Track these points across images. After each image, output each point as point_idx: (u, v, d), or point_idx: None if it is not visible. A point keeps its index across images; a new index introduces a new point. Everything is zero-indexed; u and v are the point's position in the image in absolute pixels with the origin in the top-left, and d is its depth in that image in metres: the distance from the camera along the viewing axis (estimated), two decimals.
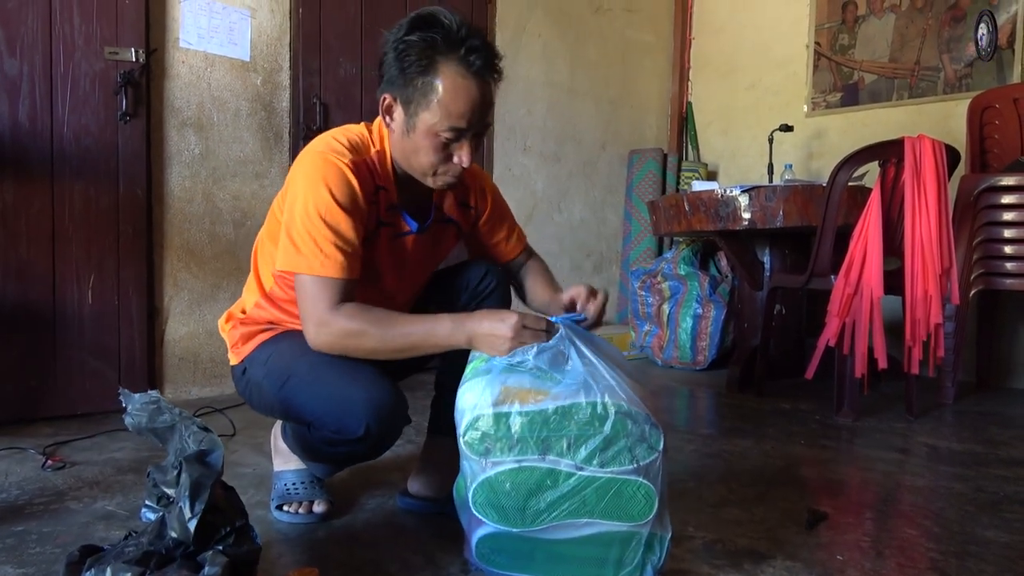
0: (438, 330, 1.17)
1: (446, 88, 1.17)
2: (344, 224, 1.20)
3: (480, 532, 1.12)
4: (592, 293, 1.29)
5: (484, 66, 1.19)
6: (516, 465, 1.07)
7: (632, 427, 1.06)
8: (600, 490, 1.06)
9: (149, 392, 1.09)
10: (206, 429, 1.03)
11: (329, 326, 1.18)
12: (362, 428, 1.20)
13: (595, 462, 1.06)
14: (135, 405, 1.07)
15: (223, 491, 1.02)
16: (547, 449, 1.06)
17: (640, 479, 1.06)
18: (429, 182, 1.29)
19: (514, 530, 1.09)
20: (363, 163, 1.27)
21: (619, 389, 1.08)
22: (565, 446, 1.06)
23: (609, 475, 1.06)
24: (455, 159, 1.24)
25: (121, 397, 1.08)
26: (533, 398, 1.07)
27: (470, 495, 1.11)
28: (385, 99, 1.24)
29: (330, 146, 1.25)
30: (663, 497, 1.09)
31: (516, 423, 1.06)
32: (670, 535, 1.11)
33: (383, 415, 1.21)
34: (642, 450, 1.06)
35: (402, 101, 1.22)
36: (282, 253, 1.22)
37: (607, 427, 1.06)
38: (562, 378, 1.09)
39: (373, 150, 1.31)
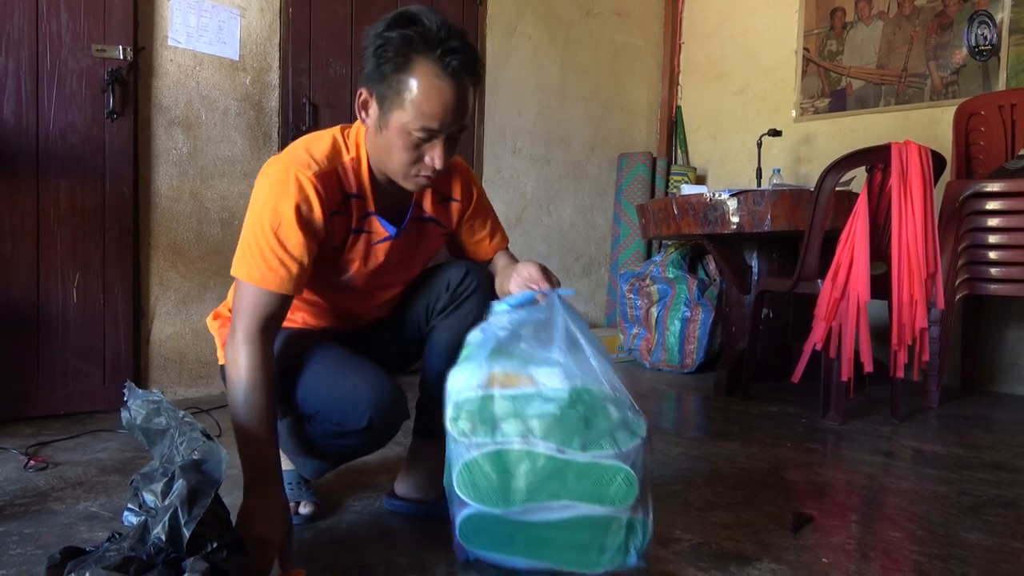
0: (249, 469, 1.15)
1: (420, 87, 1.14)
2: (294, 239, 1.19)
3: (463, 513, 1.14)
4: (545, 275, 1.28)
5: (461, 67, 1.15)
6: (497, 447, 1.09)
7: (614, 412, 1.06)
8: (580, 473, 1.06)
9: (153, 391, 1.08)
10: (208, 437, 1.01)
11: (237, 352, 1.17)
12: (365, 419, 1.21)
13: (575, 445, 1.06)
14: (136, 401, 1.06)
15: (213, 504, 1.00)
16: (528, 431, 1.08)
17: (620, 464, 1.06)
18: (403, 183, 1.26)
19: (495, 511, 1.10)
20: (332, 172, 1.24)
21: (602, 375, 1.09)
22: (546, 429, 1.07)
23: (589, 459, 1.06)
24: (428, 160, 1.21)
25: (125, 390, 1.08)
26: (516, 382, 1.09)
27: (454, 477, 1.12)
28: (361, 94, 1.22)
29: (295, 157, 1.22)
30: (645, 483, 1.08)
31: (499, 406, 1.09)
32: (651, 518, 1.10)
33: (385, 407, 1.22)
34: (623, 435, 1.06)
35: (377, 97, 1.19)
36: (235, 256, 1.23)
37: (589, 412, 1.06)
38: (545, 355, 1.09)
39: (347, 157, 1.28)
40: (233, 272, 1.22)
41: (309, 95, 2.83)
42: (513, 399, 1.08)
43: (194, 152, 2.60)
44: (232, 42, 2.66)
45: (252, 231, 1.20)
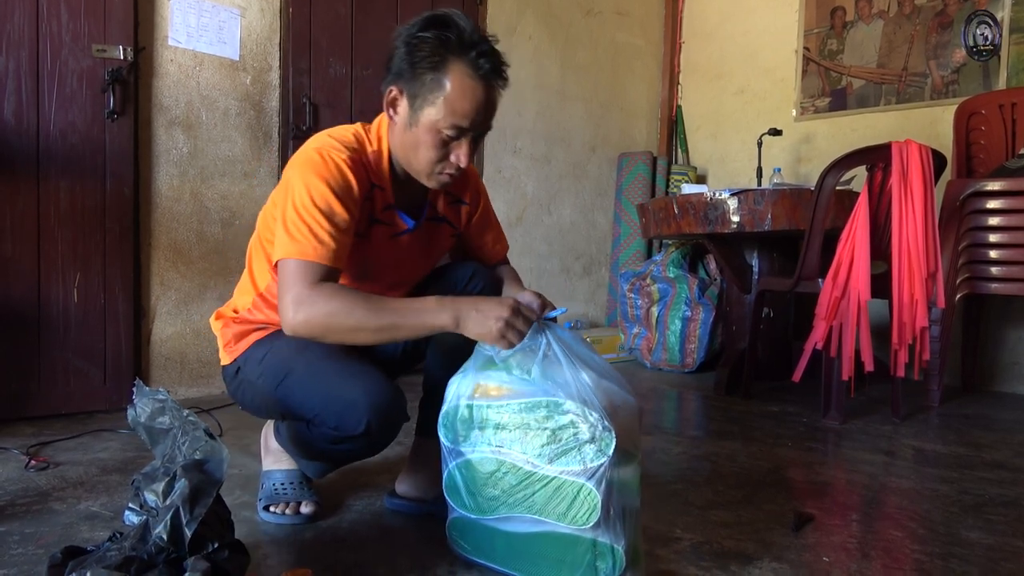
0: (426, 309, 1.15)
1: (454, 86, 1.19)
2: (339, 212, 1.20)
3: (450, 516, 1.22)
4: (540, 302, 1.27)
5: (492, 71, 1.21)
6: (477, 455, 1.13)
7: (584, 428, 1.05)
8: (547, 487, 1.08)
9: (159, 389, 1.09)
10: (211, 436, 1.01)
11: (308, 302, 1.14)
12: (363, 424, 1.20)
13: (545, 459, 1.07)
14: (142, 399, 1.07)
15: (214, 504, 1.00)
16: (503, 442, 1.11)
17: (584, 481, 1.05)
18: (425, 180, 1.29)
19: (472, 516, 1.15)
20: (359, 160, 1.27)
21: (578, 389, 1.08)
22: (520, 440, 1.09)
23: (556, 473, 1.07)
24: (453, 158, 1.25)
25: (134, 388, 1.09)
26: (499, 393, 1.12)
27: (444, 481, 1.18)
28: (391, 92, 1.25)
29: (326, 143, 1.26)
30: (612, 504, 1.06)
31: (479, 416, 1.13)
32: (623, 545, 1.08)
33: (383, 411, 1.22)
34: (591, 452, 1.05)
35: (408, 95, 1.23)
36: (278, 244, 1.22)
37: (558, 426, 1.06)
38: (528, 375, 1.11)
39: (369, 149, 1.31)
40: (279, 255, 1.19)
41: (309, 95, 2.83)
42: (492, 410, 1.11)
43: (194, 152, 2.60)
44: (232, 42, 2.66)
45: (294, 212, 1.19)
